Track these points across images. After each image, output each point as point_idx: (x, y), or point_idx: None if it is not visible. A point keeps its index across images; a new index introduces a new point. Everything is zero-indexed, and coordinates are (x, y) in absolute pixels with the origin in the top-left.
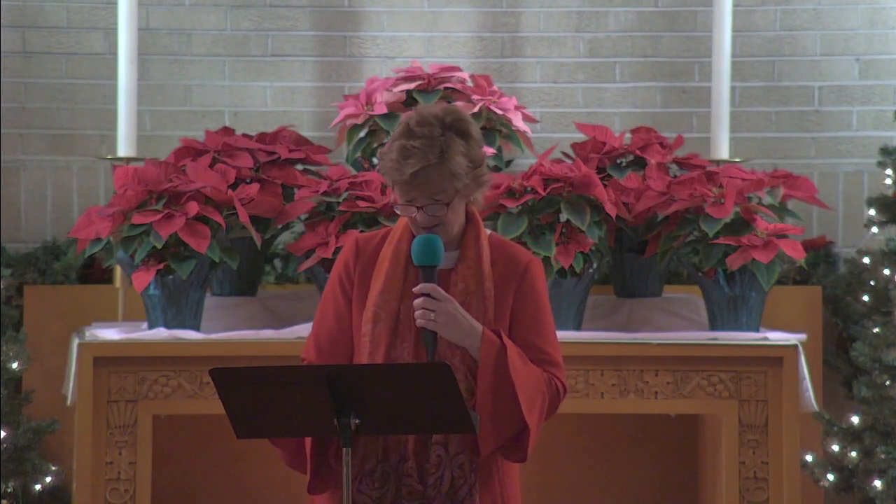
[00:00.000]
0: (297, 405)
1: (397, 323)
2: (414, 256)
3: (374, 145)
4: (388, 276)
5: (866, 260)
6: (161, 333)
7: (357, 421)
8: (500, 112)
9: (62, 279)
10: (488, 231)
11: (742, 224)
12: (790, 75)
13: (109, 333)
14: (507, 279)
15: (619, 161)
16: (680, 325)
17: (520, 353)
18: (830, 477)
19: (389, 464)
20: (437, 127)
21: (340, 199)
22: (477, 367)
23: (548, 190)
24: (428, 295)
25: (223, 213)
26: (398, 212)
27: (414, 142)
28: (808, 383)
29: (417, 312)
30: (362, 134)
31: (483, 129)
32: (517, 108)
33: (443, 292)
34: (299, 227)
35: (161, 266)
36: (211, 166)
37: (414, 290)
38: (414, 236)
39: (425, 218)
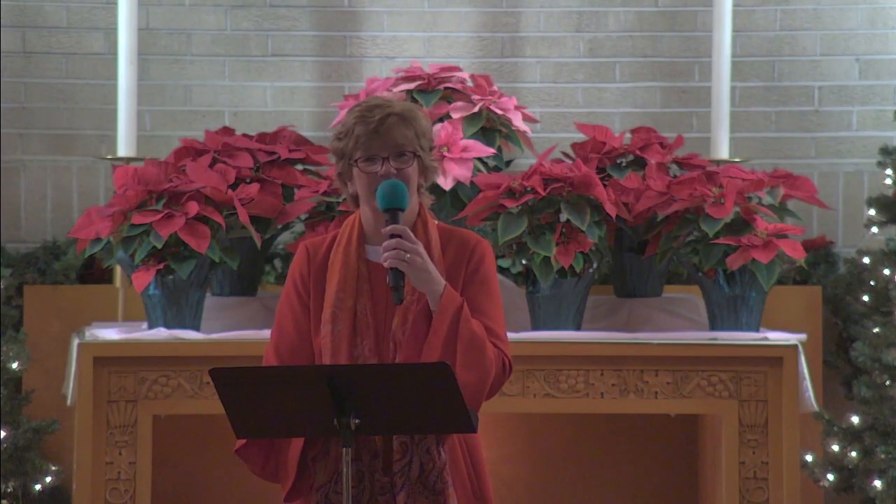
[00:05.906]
0: (297, 405)
1: (355, 321)
2: (380, 200)
3: None
4: (342, 275)
5: (866, 260)
6: (161, 333)
7: (357, 421)
8: (500, 112)
9: (62, 279)
10: (436, 221)
11: (742, 224)
12: (790, 75)
13: (109, 333)
14: (459, 263)
15: (619, 161)
16: (680, 325)
17: (478, 322)
18: (830, 477)
19: (362, 462)
20: (394, 103)
21: (340, 199)
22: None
23: (548, 190)
24: (399, 237)
25: (223, 213)
26: (357, 175)
27: (375, 105)
28: (808, 383)
29: (389, 252)
30: None
31: (483, 129)
32: (517, 108)
33: (412, 236)
34: (299, 227)
35: (161, 266)
36: (211, 166)
37: (384, 231)
38: (363, 236)
39: (389, 169)
